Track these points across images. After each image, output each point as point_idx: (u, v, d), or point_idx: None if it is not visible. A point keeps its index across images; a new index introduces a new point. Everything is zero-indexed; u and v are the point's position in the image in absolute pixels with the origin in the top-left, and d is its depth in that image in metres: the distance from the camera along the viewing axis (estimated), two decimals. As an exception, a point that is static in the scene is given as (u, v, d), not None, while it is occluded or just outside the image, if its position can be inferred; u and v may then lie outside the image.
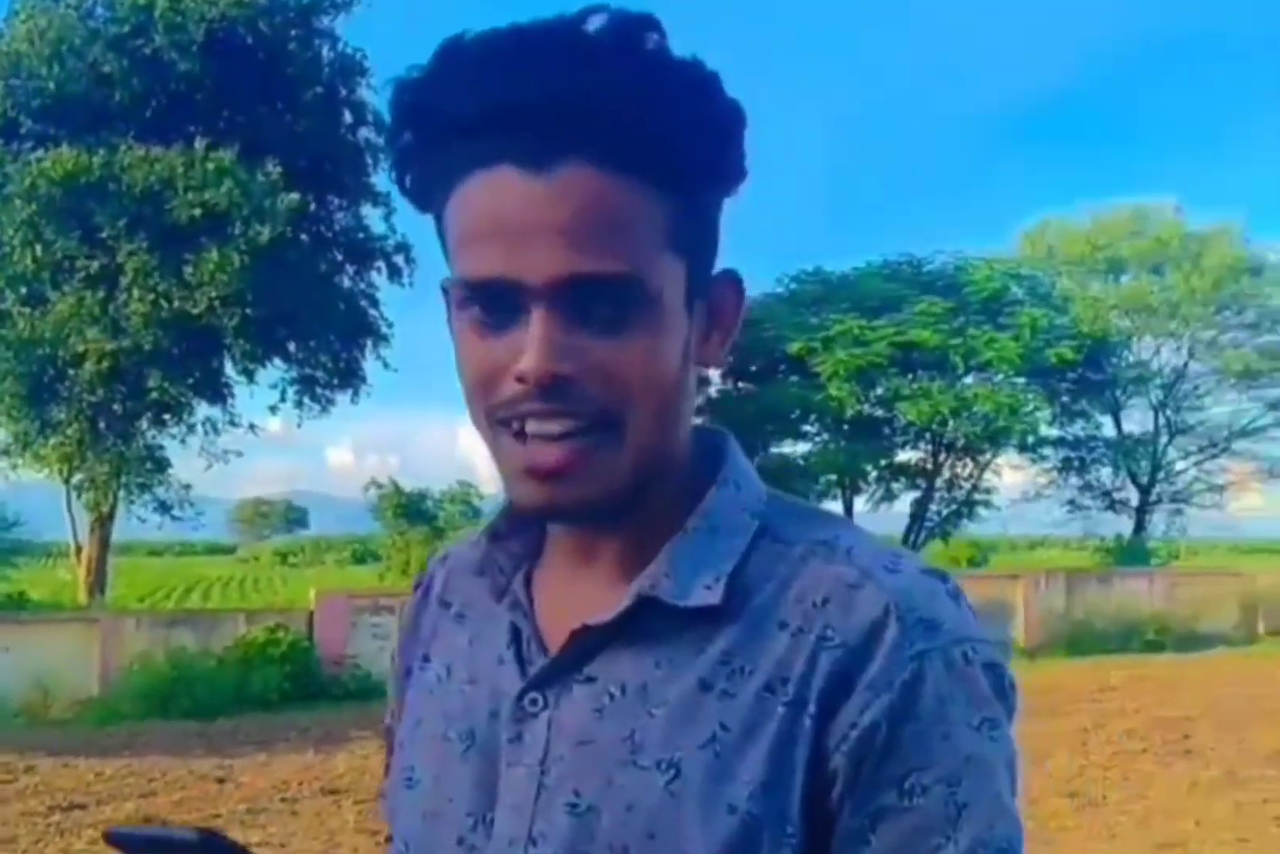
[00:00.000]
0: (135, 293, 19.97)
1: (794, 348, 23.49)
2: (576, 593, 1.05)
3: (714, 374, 25.57)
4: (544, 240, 0.92)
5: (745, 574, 1.00)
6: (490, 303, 0.95)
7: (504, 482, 1.00)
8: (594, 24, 0.93)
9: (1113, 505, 30.18)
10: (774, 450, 25.14)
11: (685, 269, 0.97)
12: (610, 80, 0.92)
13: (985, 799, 0.95)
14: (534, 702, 1.02)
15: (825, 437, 25.45)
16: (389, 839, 1.13)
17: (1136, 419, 29.84)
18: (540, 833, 0.98)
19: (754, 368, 25.18)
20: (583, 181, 0.92)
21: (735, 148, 0.98)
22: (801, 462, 24.87)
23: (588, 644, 1.00)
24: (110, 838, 0.88)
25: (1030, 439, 24.89)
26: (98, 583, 21.00)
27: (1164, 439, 29.94)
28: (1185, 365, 29.92)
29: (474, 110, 0.93)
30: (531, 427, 0.95)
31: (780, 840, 0.94)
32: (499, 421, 0.97)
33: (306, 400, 23.57)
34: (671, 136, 0.93)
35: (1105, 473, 29.89)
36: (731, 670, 0.97)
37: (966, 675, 0.96)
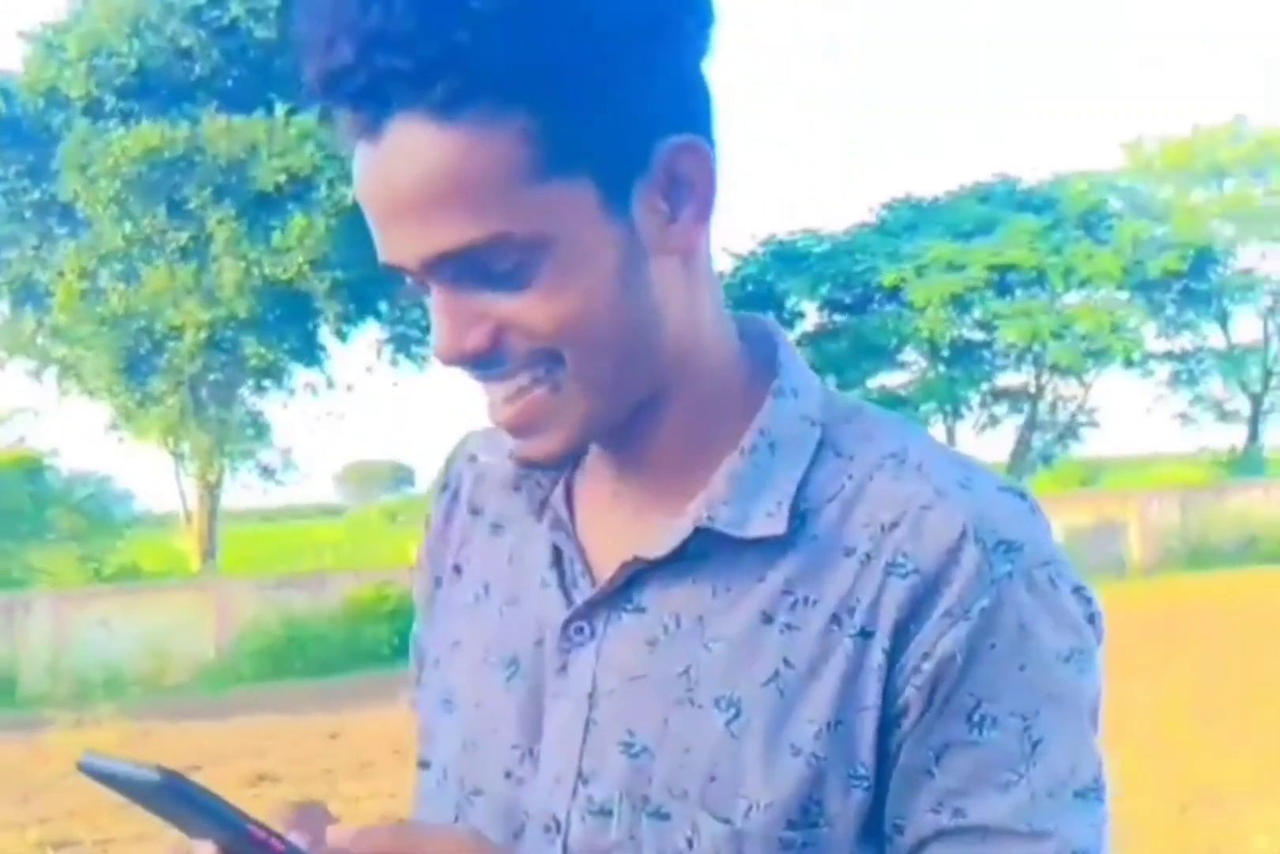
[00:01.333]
0: (226, 262, 20.21)
1: (888, 278, 23.20)
2: (622, 510, 0.97)
3: (810, 308, 25.52)
4: (396, 219, 0.84)
5: (807, 494, 0.91)
6: (407, 276, 0.88)
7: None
8: None
9: (1224, 417, 29.48)
10: (872, 382, 24.88)
11: (589, 180, 0.84)
12: (426, 12, 0.80)
13: (1065, 735, 0.87)
14: (579, 630, 0.94)
15: (924, 364, 25.12)
16: (423, 764, 1.05)
17: (1245, 327, 29.07)
18: (592, 771, 0.92)
19: (848, 300, 24.93)
20: (410, 140, 0.82)
21: (557, 41, 0.82)
22: (901, 392, 24.57)
23: (638, 573, 0.92)
24: (81, 767, 0.80)
25: (1135, 355, 24.36)
26: (209, 550, 21.41)
27: (1274, 346, 29.10)
28: (1294, 269, 29.01)
29: (312, 81, 0.84)
30: (499, 412, 0.90)
31: (849, 782, 0.87)
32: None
33: (402, 359, 23.72)
34: (498, 57, 0.80)
35: (1215, 384, 29.21)
36: (795, 601, 0.90)
37: (1053, 600, 0.88)
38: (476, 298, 0.85)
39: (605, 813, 0.91)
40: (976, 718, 0.86)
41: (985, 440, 25.47)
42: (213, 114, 20.21)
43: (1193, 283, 25.46)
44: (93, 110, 20.96)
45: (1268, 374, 29.03)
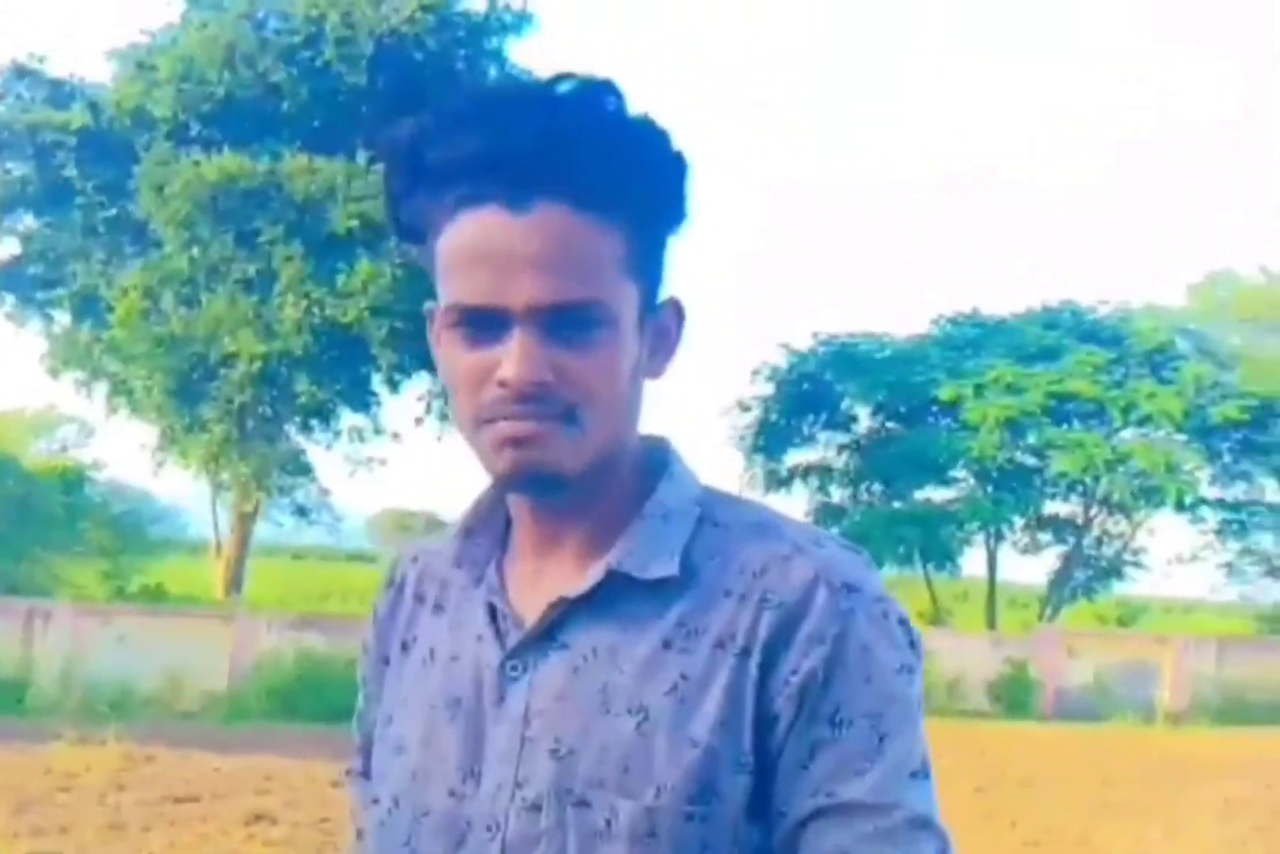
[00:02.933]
0: (289, 298, 20.30)
1: (945, 392, 23.08)
2: (544, 574, 1.21)
3: (864, 412, 25.40)
4: (525, 271, 1.10)
5: (693, 553, 1.17)
6: (478, 322, 1.12)
7: (482, 460, 1.16)
8: (564, 87, 1.12)
9: (1272, 572, 28.97)
10: (918, 495, 24.62)
11: (639, 294, 1.16)
12: (577, 133, 1.10)
13: (904, 730, 1.13)
14: (514, 667, 1.17)
15: (973, 483, 24.87)
16: (374, 801, 1.25)
17: (1303, 485, 28.61)
18: (525, 777, 1.14)
19: (903, 409, 24.80)
20: (556, 219, 1.10)
21: (679, 192, 1.17)
22: (947, 507, 24.28)
23: (561, 615, 1.16)
24: None
25: (1188, 498, 23.99)
26: (235, 581, 21.28)
27: (1330, 507, 28.66)
28: (1360, 429, 28.63)
29: (465, 159, 1.10)
30: (504, 427, 1.12)
31: (736, 768, 1.12)
32: (483, 421, 1.13)
33: (450, 414, 23.68)
34: (627, 180, 1.12)
35: (1266, 538, 28.72)
36: (688, 631, 1.15)
37: (885, 628, 1.15)
38: (551, 349, 1.11)
39: (536, 808, 1.13)
40: (837, 720, 1.12)
41: (1026, 566, 25.17)
42: (294, 152, 20.43)
43: (1253, 434, 25.16)
44: (176, 134, 21.22)
45: (1322, 535, 28.57)
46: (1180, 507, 24.45)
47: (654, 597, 1.16)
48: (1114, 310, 26.11)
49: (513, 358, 1.10)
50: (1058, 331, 24.76)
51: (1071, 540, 25.17)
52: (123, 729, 11.33)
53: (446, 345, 1.16)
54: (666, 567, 1.16)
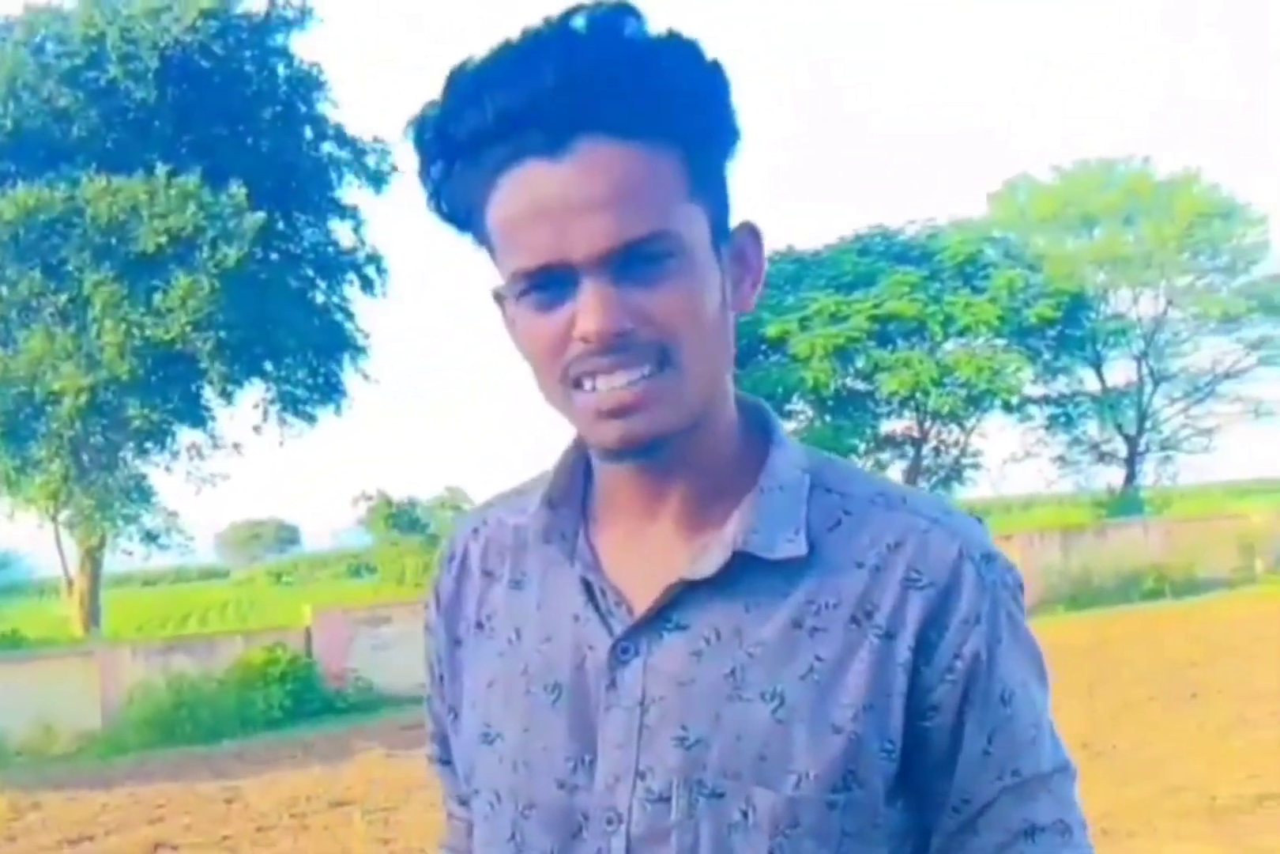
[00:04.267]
0: (106, 324, 19.88)
1: (772, 329, 23.47)
2: (645, 544, 1.14)
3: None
4: (580, 217, 1.02)
5: (811, 523, 1.11)
6: (545, 284, 1.05)
7: (580, 429, 1.10)
8: (577, 21, 1.04)
9: (1102, 458, 30.17)
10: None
11: (707, 218, 1.07)
12: (600, 63, 1.02)
13: (1044, 685, 1.15)
14: (625, 650, 1.10)
15: (810, 414, 25.44)
16: (472, 793, 1.19)
17: (1119, 371, 29.83)
18: (648, 767, 1.08)
19: (734, 352, 25.10)
20: (600, 154, 1.02)
21: (722, 105, 1.08)
22: (789, 441, 24.77)
23: (677, 597, 1.09)
24: None
25: (1014, 400, 24.89)
26: (91, 616, 20.90)
27: (1148, 388, 29.85)
28: (1164, 313, 29.84)
29: (490, 120, 1.03)
30: (601, 383, 1.05)
31: (880, 754, 1.07)
32: (572, 382, 1.06)
33: (289, 418, 23.47)
34: (664, 100, 1.03)
35: (1092, 426, 29.91)
36: (818, 608, 1.09)
37: (1016, 594, 1.13)
38: (626, 291, 1.03)
39: (664, 800, 1.07)
40: (1005, 696, 1.10)
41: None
42: (92, 175, 19.95)
43: (1067, 329, 26.11)
44: (-33, 170, 20.59)
45: (1142, 416, 29.79)
46: (1008, 408, 25.37)
47: (778, 573, 1.10)
48: (922, 229, 26.76)
49: (588, 310, 1.03)
50: (871, 257, 25.32)
51: (911, 454, 25.91)
52: (2, 780, 11.18)
53: (520, 320, 1.09)
54: (794, 545, 1.10)
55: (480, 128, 1.03)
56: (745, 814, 1.06)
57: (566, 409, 1.09)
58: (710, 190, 1.08)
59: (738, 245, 1.12)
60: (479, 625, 1.22)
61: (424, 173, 1.09)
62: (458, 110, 1.04)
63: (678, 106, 1.04)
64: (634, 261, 1.03)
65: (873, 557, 1.10)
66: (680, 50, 1.05)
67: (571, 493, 1.18)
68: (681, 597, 1.10)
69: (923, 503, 1.15)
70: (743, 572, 1.09)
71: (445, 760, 1.30)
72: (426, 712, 1.31)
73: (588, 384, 1.06)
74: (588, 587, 1.13)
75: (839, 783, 1.06)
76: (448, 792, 1.32)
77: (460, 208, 1.09)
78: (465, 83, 1.05)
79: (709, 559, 1.09)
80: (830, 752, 1.06)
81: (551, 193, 1.02)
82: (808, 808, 1.06)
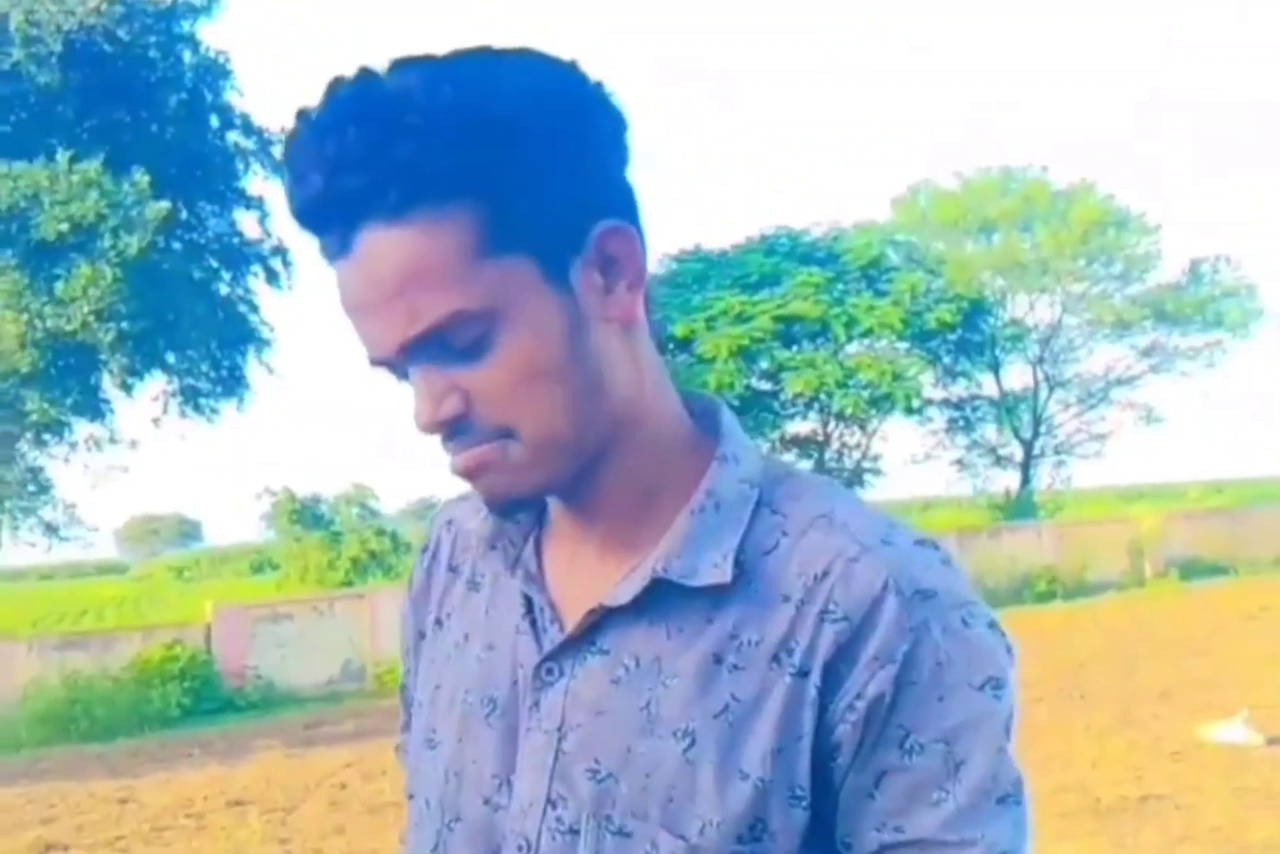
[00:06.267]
0: (6, 314, 19.49)
1: (679, 329, 23.58)
2: (582, 561, 1.09)
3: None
4: (373, 316, 0.99)
5: (746, 547, 1.04)
6: (393, 372, 1.03)
7: None
8: (337, 101, 0.98)
9: (999, 462, 30.71)
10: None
11: (530, 256, 0.99)
12: (356, 151, 0.95)
13: (984, 753, 1.00)
14: (550, 671, 1.06)
15: (715, 414, 25.55)
16: (410, 797, 1.18)
17: (1016, 375, 30.40)
18: (559, 795, 1.04)
19: (643, 356, 25.10)
20: (375, 246, 0.97)
21: (527, 142, 0.98)
22: (693, 440, 24.88)
23: (601, 618, 1.05)
24: None
25: (915, 403, 25.24)
26: (-15, 610, 20.53)
27: (1044, 393, 30.45)
28: (1059, 320, 30.47)
29: (297, 220, 1.00)
30: (453, 463, 1.03)
31: (790, 802, 1.00)
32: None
33: (190, 411, 23.19)
34: (431, 170, 0.96)
35: (990, 430, 30.43)
36: (740, 643, 1.02)
37: (966, 638, 1.01)
38: (447, 373, 0.99)
39: (574, 832, 1.04)
40: (907, 746, 1.00)
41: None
42: (-10, 160, 19.56)
43: (967, 333, 26.56)
44: None
45: (1037, 420, 30.38)
46: (909, 411, 25.73)
47: (702, 599, 1.04)
48: (827, 231, 27.04)
49: (415, 402, 1.01)
50: (776, 257, 25.51)
51: (815, 455, 26.19)
52: (-112, 777, 10.98)
53: None
54: (718, 571, 1.03)
55: (300, 225, 1.02)
56: None
57: None
58: (529, 226, 0.99)
59: (598, 253, 1.02)
60: (438, 622, 1.20)
61: None
62: (287, 197, 1.01)
63: (449, 171, 0.96)
64: (445, 343, 0.98)
65: (799, 588, 1.02)
66: (452, 105, 0.96)
67: None
68: (605, 620, 1.05)
69: (866, 527, 1.04)
70: (666, 597, 1.04)
71: None
72: (400, 700, 1.28)
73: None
74: (527, 599, 1.10)
75: (745, 832, 1.00)
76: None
77: None
78: (285, 162, 1.01)
79: (628, 585, 1.04)
80: (737, 798, 1.00)
81: (348, 293, 1.00)
82: None
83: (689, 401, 1.11)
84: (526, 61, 1.01)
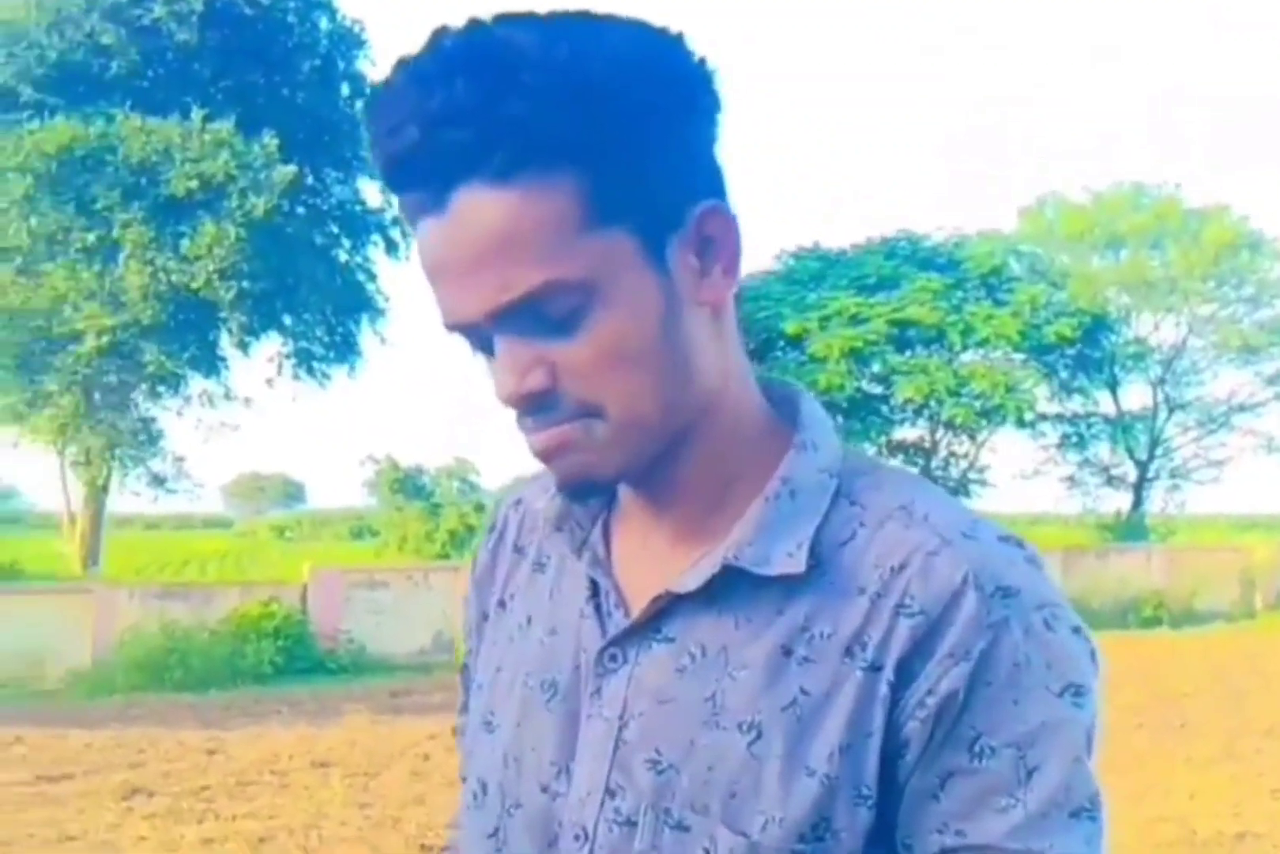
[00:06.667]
0: (132, 266, 19.88)
1: (791, 326, 23.43)
2: (652, 547, 1.06)
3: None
4: (465, 278, 0.94)
5: (823, 537, 1.01)
6: (470, 338, 0.99)
7: None
8: (441, 51, 0.93)
9: (1111, 481, 30.15)
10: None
11: (630, 232, 0.96)
12: (462, 105, 0.91)
13: (1059, 762, 0.95)
14: (613, 658, 1.03)
15: (823, 414, 25.37)
16: (463, 779, 1.16)
17: (1135, 395, 29.83)
18: (618, 785, 1.01)
19: (751, 345, 24.74)
20: (474, 208, 0.93)
21: (630, 112, 0.94)
22: (798, 439, 24.78)
23: (668, 605, 1.02)
24: None
25: (1027, 416, 24.83)
26: (91, 555, 20.94)
27: (1162, 415, 29.83)
28: (1184, 341, 29.84)
29: (385, 173, 0.96)
30: (532, 442, 0.99)
31: (856, 801, 0.96)
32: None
33: (303, 374, 23.50)
34: (540, 132, 0.92)
35: (1103, 449, 29.87)
36: (811, 636, 0.99)
37: (1047, 641, 0.96)
38: (535, 345, 0.95)
39: (631, 823, 0.99)
40: (977, 748, 0.95)
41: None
42: (127, 114, 19.92)
43: (1086, 349, 26.06)
44: (6, 101, 20.58)
45: (1154, 442, 29.77)
46: (1021, 424, 25.30)
47: (774, 589, 1.00)
48: (949, 237, 26.71)
49: (498, 373, 0.97)
50: (896, 261, 25.23)
51: (920, 463, 25.88)
52: (-16, 711, 11.21)
53: None
54: (792, 561, 0.99)
55: (385, 179, 0.97)
56: (707, 852, 0.98)
57: None
58: (632, 200, 0.95)
59: (696, 234, 0.99)
60: (501, 604, 1.17)
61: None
62: (372, 140, 0.96)
63: (560, 135, 0.92)
64: (537, 314, 0.94)
65: (875, 581, 0.98)
66: (545, 61, 0.92)
67: None
68: (672, 607, 1.02)
69: (947, 520, 1.00)
70: (736, 585, 1.00)
71: None
72: (460, 682, 1.25)
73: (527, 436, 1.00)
74: (593, 582, 1.07)
75: (808, 831, 0.96)
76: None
77: None
78: (369, 111, 0.97)
79: (697, 572, 1.01)
80: (802, 795, 0.96)
81: (438, 253, 0.96)
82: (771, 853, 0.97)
83: (769, 389, 1.07)
84: (638, 30, 0.97)
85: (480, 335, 0.98)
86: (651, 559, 1.06)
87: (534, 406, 0.97)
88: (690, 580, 1.01)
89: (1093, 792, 0.97)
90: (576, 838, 1.02)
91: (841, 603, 0.99)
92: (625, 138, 0.94)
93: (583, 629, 1.07)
